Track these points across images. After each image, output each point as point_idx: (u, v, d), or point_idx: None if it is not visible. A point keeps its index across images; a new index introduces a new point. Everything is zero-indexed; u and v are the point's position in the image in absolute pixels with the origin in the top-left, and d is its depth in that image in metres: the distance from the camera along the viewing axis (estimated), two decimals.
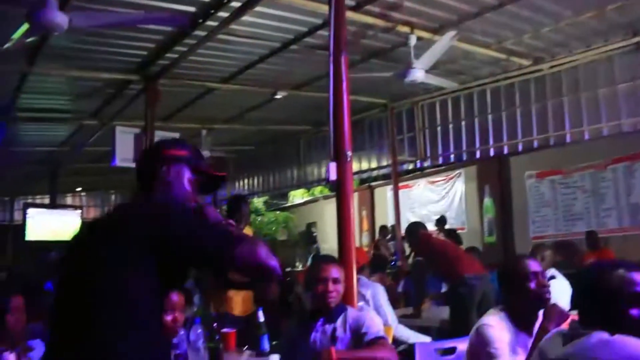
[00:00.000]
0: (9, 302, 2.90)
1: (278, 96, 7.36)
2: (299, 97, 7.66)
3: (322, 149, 9.79)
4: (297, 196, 16.72)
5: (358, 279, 4.01)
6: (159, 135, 6.37)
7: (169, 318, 2.71)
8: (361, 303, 4.09)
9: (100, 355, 1.60)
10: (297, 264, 14.24)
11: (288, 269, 13.14)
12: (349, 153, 3.36)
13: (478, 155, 8.11)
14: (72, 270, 1.74)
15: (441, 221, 9.50)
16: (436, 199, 11.72)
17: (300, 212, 16.06)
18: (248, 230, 4.88)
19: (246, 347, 3.88)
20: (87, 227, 1.80)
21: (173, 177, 1.88)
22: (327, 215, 14.57)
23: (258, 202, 15.24)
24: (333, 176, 3.30)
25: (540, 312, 2.59)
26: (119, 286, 1.63)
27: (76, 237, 1.82)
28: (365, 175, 9.79)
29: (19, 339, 2.91)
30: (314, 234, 14.79)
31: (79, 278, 1.69)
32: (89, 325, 1.62)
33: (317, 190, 15.96)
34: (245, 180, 11.86)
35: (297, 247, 15.10)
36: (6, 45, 4.80)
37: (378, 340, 2.87)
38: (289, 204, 16.76)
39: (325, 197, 15.16)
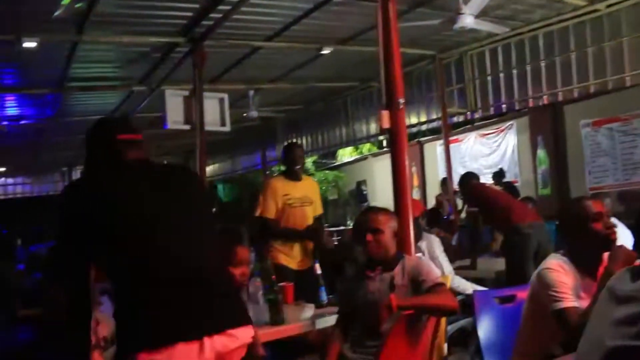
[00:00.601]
0: None
1: (324, 52, 7.27)
2: (345, 52, 7.55)
3: (369, 105, 9.69)
4: (346, 155, 16.69)
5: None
6: (208, 97, 6.40)
7: (237, 272, 2.74)
8: (418, 254, 4.07)
9: None
10: (349, 222, 14.31)
11: (340, 228, 13.25)
12: (401, 100, 3.30)
13: (530, 104, 7.88)
14: None
15: (499, 174, 9.36)
16: (487, 152, 11.52)
17: (350, 171, 16.05)
18: (308, 180, 4.92)
19: (303, 299, 3.94)
20: None
21: None
22: (376, 173, 14.52)
23: (307, 162, 15.29)
24: (386, 124, 3.25)
25: (605, 255, 2.51)
26: None
27: None
28: (414, 130, 9.65)
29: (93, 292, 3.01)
30: (364, 192, 14.79)
31: None
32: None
33: (366, 148, 15.88)
34: (294, 140, 11.86)
35: (348, 205, 15.15)
36: (57, 13, 4.88)
37: (437, 287, 2.86)
38: (337, 163, 16.76)
39: (374, 155, 15.08)
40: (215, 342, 1.81)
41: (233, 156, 14.19)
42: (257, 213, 4.50)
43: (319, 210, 4.81)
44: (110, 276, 1.98)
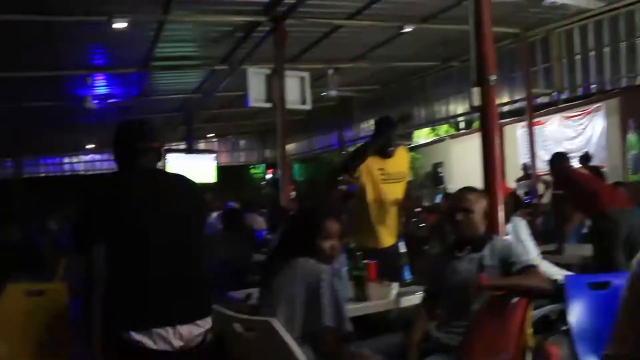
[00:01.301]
0: None
1: (405, 30, 7.15)
2: (426, 31, 7.41)
3: (449, 86, 9.49)
4: (422, 136, 16.46)
5: None
6: (289, 75, 6.44)
7: (326, 245, 2.75)
8: (505, 237, 3.96)
9: None
10: (425, 204, 14.12)
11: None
12: (493, 77, 3.19)
13: (623, 84, 7.48)
14: None
15: (585, 158, 8.98)
16: (572, 136, 11.04)
17: (426, 153, 15.80)
18: (400, 152, 4.72)
19: (387, 278, 3.92)
20: None
21: None
22: (453, 155, 14.23)
23: None
24: (476, 101, 3.16)
25: None
26: None
27: None
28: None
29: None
30: (441, 175, 14.53)
31: None
32: None
33: (443, 129, 15.59)
34: (371, 121, 11.78)
35: (424, 188, 14.94)
36: None
37: (529, 269, 2.77)
38: (413, 144, 16.55)
39: (452, 137, 14.79)
40: (184, 329, 2.24)
41: (309, 136, 14.27)
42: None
43: (408, 178, 4.61)
44: (107, 263, 2.32)
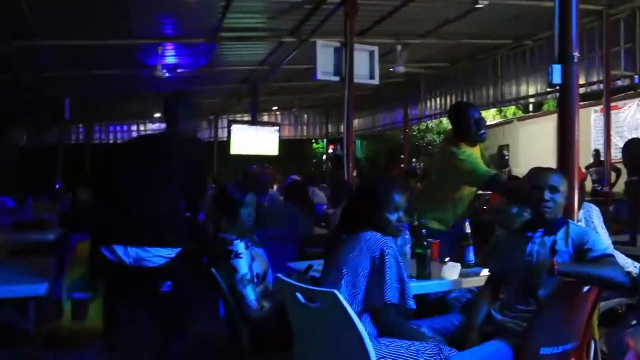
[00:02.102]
0: (244, 197, 3.14)
1: (479, 5, 6.90)
2: (501, 6, 7.14)
3: (521, 65, 9.16)
4: (488, 117, 16.05)
5: None
6: (358, 49, 6.35)
7: (393, 218, 2.71)
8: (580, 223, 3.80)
9: None
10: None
11: (478, 192, 12.82)
12: (576, 54, 3.02)
13: None
14: None
15: None
16: None
17: (491, 134, 15.37)
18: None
19: (449, 258, 3.84)
20: None
21: None
22: (520, 137, 13.85)
23: (448, 122, 14.88)
24: (557, 79, 3.00)
25: None
26: None
27: None
28: None
29: (249, 231, 3.15)
30: (506, 157, 14.18)
31: None
32: None
33: (510, 111, 15.16)
34: (437, 99, 11.54)
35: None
36: None
37: (605, 258, 2.64)
38: None
39: (520, 119, 14.37)
40: (132, 250, 3.02)
41: (373, 112, 14.12)
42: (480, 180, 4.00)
43: None
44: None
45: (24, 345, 3.26)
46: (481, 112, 13.27)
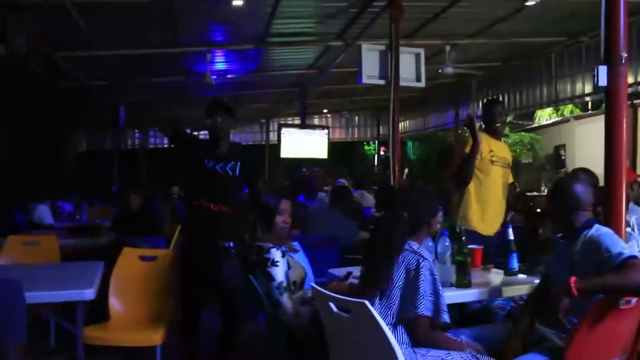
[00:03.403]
0: (280, 204, 3.16)
1: (529, 3, 6.73)
2: (553, 4, 6.93)
3: (577, 63, 8.85)
4: (544, 116, 15.62)
5: None
6: (404, 52, 6.29)
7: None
8: (628, 229, 3.65)
9: None
10: (543, 188, 13.45)
11: (534, 194, 12.49)
12: (624, 54, 2.89)
13: None
14: None
15: None
16: None
17: (547, 134, 14.99)
18: (504, 143, 4.67)
19: (492, 265, 3.75)
20: None
21: None
22: (578, 137, 13.41)
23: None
24: (603, 81, 2.88)
25: None
26: None
27: None
28: (629, 91, 8.58)
29: (285, 238, 3.16)
30: (562, 158, 13.76)
31: None
32: None
33: (567, 110, 14.71)
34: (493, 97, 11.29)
35: (543, 171, 14.22)
36: None
37: (627, 262, 2.41)
38: (534, 125, 15.75)
39: (577, 118, 13.92)
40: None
41: (424, 114, 13.96)
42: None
43: (512, 178, 4.52)
44: None
45: (71, 349, 3.37)
46: (537, 111, 12.88)
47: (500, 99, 10.20)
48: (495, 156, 4.28)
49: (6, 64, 6.88)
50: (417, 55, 6.49)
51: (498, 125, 4.37)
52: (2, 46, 5.86)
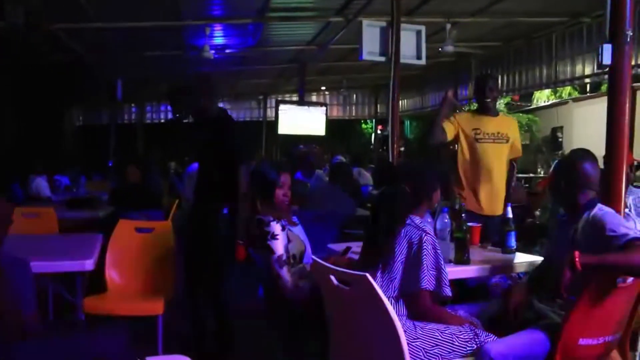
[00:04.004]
0: (279, 177, 3.16)
1: None
2: None
3: (577, 44, 8.80)
4: (542, 98, 15.58)
5: None
6: (405, 29, 6.24)
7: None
8: (626, 210, 3.67)
9: None
10: (539, 170, 13.48)
11: (530, 175, 12.54)
12: (630, 32, 2.87)
13: None
14: None
15: None
16: None
17: (545, 116, 14.96)
18: (505, 117, 4.63)
19: (490, 243, 3.78)
20: None
21: None
22: (576, 119, 13.40)
23: (500, 103, 14.50)
24: (607, 59, 2.87)
25: None
26: None
27: None
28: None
29: (285, 212, 3.17)
30: (560, 140, 13.76)
31: None
32: None
33: (566, 91, 14.68)
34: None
35: (540, 153, 14.23)
36: None
37: (632, 242, 2.43)
38: (532, 106, 15.71)
39: (576, 100, 13.89)
40: None
41: (422, 93, 13.91)
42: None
43: (518, 153, 4.42)
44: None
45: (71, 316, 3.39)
46: (535, 92, 12.72)
47: (499, 78, 10.16)
48: (481, 133, 4.21)
49: (4, 37, 6.82)
50: (419, 33, 6.44)
51: (488, 100, 4.29)
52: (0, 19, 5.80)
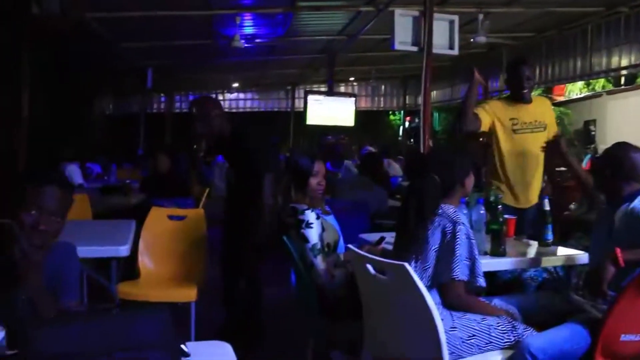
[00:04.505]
0: (313, 166, 3.14)
1: None
2: None
3: (614, 35, 8.60)
4: (574, 90, 15.30)
5: None
6: (438, 18, 6.16)
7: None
8: None
9: None
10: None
11: (561, 169, 12.31)
12: None
13: None
14: None
15: None
16: None
17: (577, 108, 14.69)
18: (539, 100, 4.48)
19: (525, 235, 3.72)
20: None
21: None
22: (610, 113, 13.14)
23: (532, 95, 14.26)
24: None
25: None
26: None
27: None
28: None
29: (319, 201, 3.15)
30: (592, 133, 13.51)
31: None
32: None
33: (599, 84, 14.39)
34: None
35: (571, 146, 14.00)
36: None
37: None
38: (564, 99, 15.44)
39: (609, 93, 13.61)
40: None
41: (452, 84, 13.76)
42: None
43: (554, 131, 4.17)
44: None
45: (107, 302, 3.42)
46: (567, 85, 12.54)
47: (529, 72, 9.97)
48: (519, 123, 4.02)
49: (39, 25, 6.89)
50: (452, 22, 6.35)
51: (525, 91, 4.03)
52: (35, 6, 5.86)
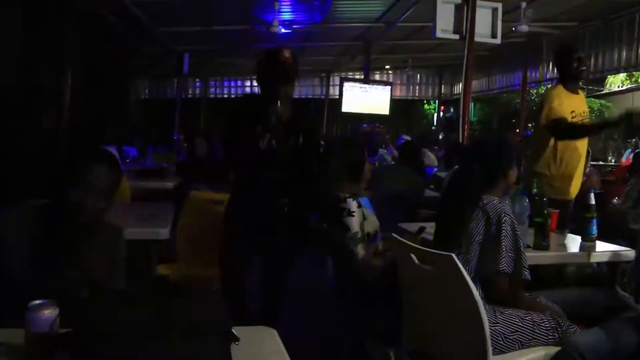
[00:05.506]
0: (364, 154, 3.14)
1: None
2: None
3: None
4: (616, 83, 14.92)
5: None
6: (480, 6, 6.04)
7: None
8: None
9: None
10: (610, 158, 12.98)
11: (599, 163, 12.06)
12: None
13: None
14: None
15: None
16: None
17: (619, 101, 14.33)
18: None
19: (568, 229, 3.64)
20: None
21: None
22: None
23: None
24: None
25: None
26: None
27: None
28: None
29: (362, 189, 3.14)
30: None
31: None
32: None
33: None
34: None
35: (611, 140, 13.68)
36: None
37: None
38: (605, 91, 15.07)
39: None
40: None
41: (489, 74, 13.55)
42: (546, 121, 3.93)
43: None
44: None
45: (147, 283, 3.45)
46: (609, 77, 12.25)
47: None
48: (577, 116, 3.98)
49: (77, 8, 6.96)
50: (495, 10, 6.23)
51: (580, 82, 4.04)
52: None
